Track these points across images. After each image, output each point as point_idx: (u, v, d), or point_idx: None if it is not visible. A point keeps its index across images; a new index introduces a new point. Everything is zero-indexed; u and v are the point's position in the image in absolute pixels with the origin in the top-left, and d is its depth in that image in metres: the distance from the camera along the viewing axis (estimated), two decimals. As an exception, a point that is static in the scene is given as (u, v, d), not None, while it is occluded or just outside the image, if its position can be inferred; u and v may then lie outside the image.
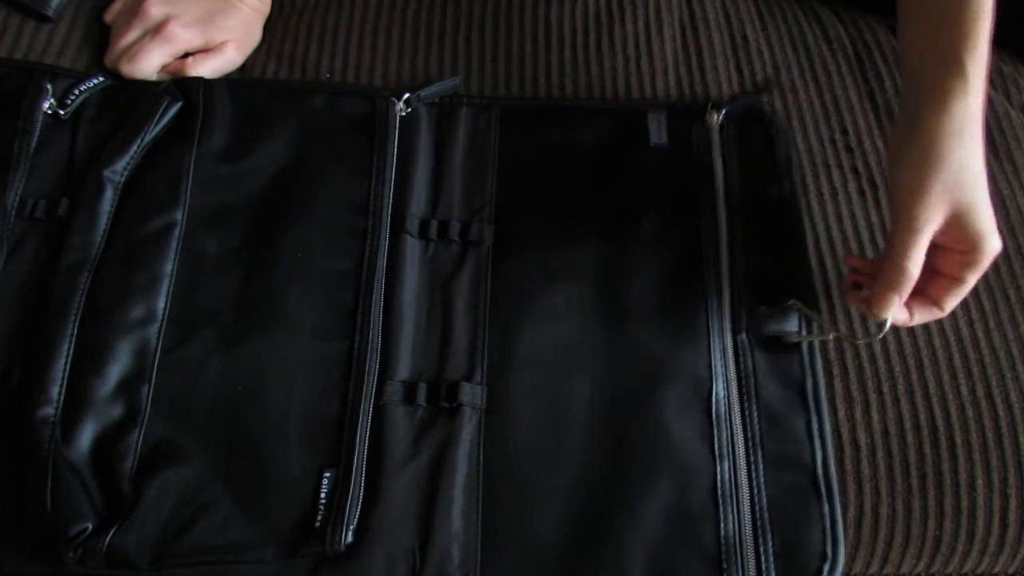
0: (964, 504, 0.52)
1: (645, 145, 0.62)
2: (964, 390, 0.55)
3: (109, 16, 0.67)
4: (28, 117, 0.59)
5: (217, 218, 0.57)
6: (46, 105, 0.60)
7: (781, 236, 0.58)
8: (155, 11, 0.63)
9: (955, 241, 0.49)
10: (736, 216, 0.59)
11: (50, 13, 0.66)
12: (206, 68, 0.64)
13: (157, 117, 0.59)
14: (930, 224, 0.48)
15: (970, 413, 0.54)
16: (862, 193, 0.62)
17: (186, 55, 0.64)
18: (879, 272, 0.50)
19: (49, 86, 0.60)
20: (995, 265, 0.59)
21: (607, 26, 0.70)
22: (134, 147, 0.58)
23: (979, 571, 0.53)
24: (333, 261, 0.56)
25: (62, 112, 0.60)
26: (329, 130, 0.61)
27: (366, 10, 0.71)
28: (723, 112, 0.63)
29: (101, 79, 0.62)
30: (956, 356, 0.56)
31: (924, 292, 0.51)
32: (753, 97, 0.64)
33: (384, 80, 0.67)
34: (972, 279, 0.49)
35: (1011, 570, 0.53)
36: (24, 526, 0.47)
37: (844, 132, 0.65)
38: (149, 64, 0.63)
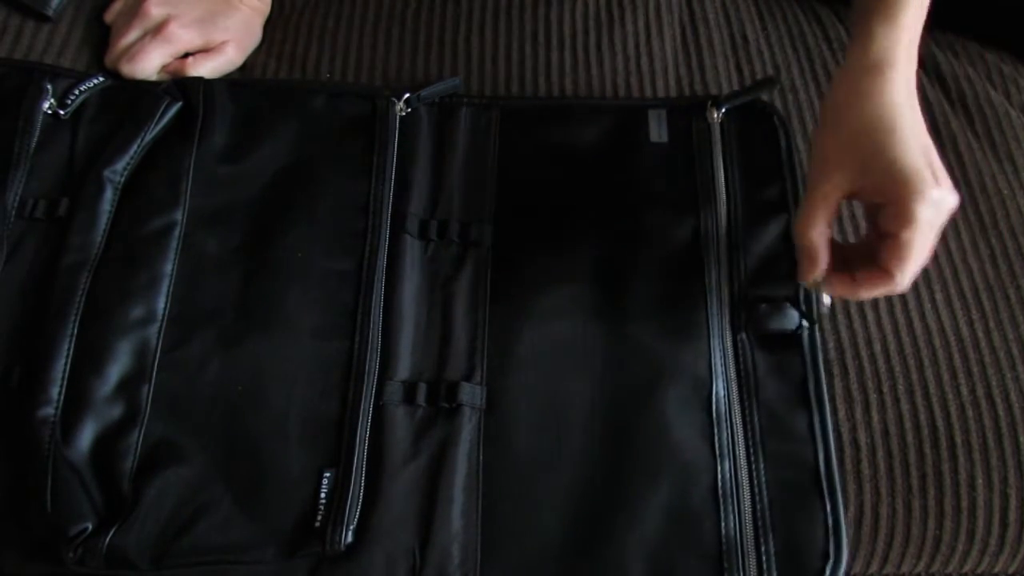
0: (964, 504, 0.52)
1: (645, 142, 0.62)
2: (964, 390, 0.55)
3: (109, 16, 0.67)
4: (28, 117, 0.58)
5: (217, 218, 0.57)
6: (46, 105, 0.59)
7: (781, 235, 0.58)
8: (155, 11, 0.63)
9: (881, 197, 0.47)
10: (736, 214, 0.59)
11: (50, 13, 0.66)
12: (206, 68, 0.64)
13: (157, 117, 0.59)
14: (824, 185, 0.48)
15: (970, 413, 0.54)
16: (862, 193, 0.62)
17: (186, 55, 0.64)
18: None
19: (49, 86, 0.60)
20: (995, 265, 0.60)
21: (607, 26, 0.70)
22: (134, 147, 0.58)
23: (979, 571, 0.53)
24: (333, 261, 0.56)
25: (62, 112, 0.60)
26: (329, 130, 0.61)
27: (366, 10, 0.71)
28: (723, 109, 0.63)
29: (101, 79, 0.62)
30: (956, 356, 0.56)
31: (873, 257, 0.48)
32: (754, 93, 0.63)
33: (384, 80, 0.67)
34: (913, 238, 0.46)
35: (1011, 570, 0.53)
36: (24, 526, 0.47)
37: (844, 132, 0.65)
38: (149, 64, 0.63)
